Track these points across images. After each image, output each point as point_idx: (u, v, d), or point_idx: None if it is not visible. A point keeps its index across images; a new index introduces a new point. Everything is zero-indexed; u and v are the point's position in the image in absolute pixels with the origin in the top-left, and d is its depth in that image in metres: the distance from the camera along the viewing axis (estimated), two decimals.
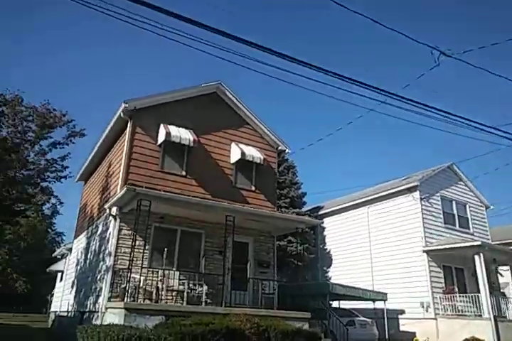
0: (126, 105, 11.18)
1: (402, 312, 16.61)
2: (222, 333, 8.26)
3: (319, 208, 22.60)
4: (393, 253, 17.66)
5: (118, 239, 10.54)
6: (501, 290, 17.44)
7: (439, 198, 18.09)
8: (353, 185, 67.23)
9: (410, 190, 17.66)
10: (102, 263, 11.31)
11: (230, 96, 13.21)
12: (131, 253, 9.61)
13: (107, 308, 9.87)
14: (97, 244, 12.49)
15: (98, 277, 11.36)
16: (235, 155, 12.63)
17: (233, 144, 12.87)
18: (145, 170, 11.35)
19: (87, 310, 11.73)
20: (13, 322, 21.60)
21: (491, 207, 20.18)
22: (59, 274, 22.22)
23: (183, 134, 11.50)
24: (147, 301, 9.93)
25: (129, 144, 11.27)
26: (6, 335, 13.53)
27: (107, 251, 10.95)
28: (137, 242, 9.91)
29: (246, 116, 13.42)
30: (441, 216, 17.83)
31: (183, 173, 12.00)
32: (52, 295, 29.26)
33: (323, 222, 12.56)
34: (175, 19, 5.49)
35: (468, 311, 15.28)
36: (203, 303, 10.39)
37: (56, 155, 11.71)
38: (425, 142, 63.73)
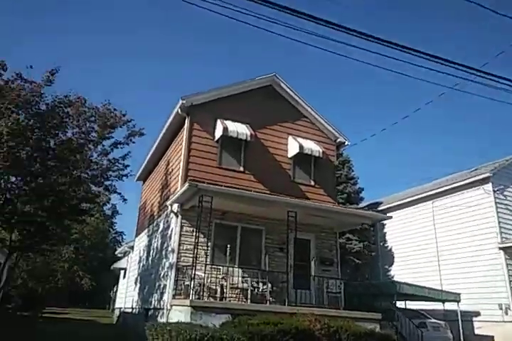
0: (184, 101, 11.14)
1: (477, 314, 15.35)
2: (291, 333, 7.90)
3: (378, 204, 21.61)
4: (464, 250, 16.38)
5: (180, 236, 10.51)
6: None
7: None
8: (411, 179, 64.17)
9: (481, 182, 16.27)
10: (164, 260, 11.37)
11: (286, 88, 12.81)
12: (194, 250, 9.51)
13: (171, 306, 9.86)
14: (159, 241, 12.61)
15: (161, 274, 11.44)
16: (292, 149, 12.22)
17: (290, 138, 12.46)
18: (204, 167, 11.26)
19: (152, 307, 11.85)
20: (83, 317, 22.69)
21: None
22: (122, 272, 22.99)
23: (240, 129, 11.28)
24: (211, 299, 9.81)
25: (188, 141, 11.23)
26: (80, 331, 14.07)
27: (169, 248, 10.98)
28: (199, 239, 9.80)
29: (303, 108, 12.96)
30: None
31: (241, 169, 11.78)
32: (115, 292, 30.55)
33: (390, 217, 11.78)
34: None
35: None
36: (267, 302, 10.10)
37: (117, 154, 11.92)
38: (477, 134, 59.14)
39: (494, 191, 16.02)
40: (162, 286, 11.08)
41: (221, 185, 9.60)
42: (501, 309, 14.66)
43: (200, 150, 11.37)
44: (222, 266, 10.19)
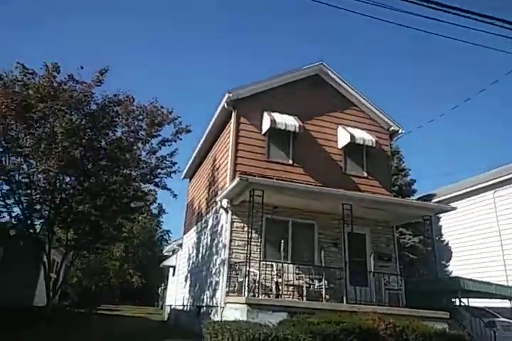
0: (230, 95, 10.92)
1: None
2: (355, 333, 7.46)
3: (431, 196, 20.44)
4: None
5: (231, 232, 10.30)
6: None
7: None
8: (462, 170, 60.24)
9: None
10: (215, 257, 11.22)
11: (334, 76, 12.26)
12: (247, 247, 9.25)
13: (225, 303, 9.67)
14: (209, 238, 12.49)
15: (213, 271, 11.30)
16: (343, 140, 11.67)
17: (340, 128, 11.91)
18: (252, 161, 10.98)
19: (204, 304, 11.75)
20: (134, 314, 23.30)
21: None
22: (171, 269, 23.30)
23: (288, 121, 10.89)
24: (265, 296, 9.52)
25: (235, 135, 11.00)
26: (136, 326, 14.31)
27: (220, 245, 10.81)
28: (251, 234, 9.52)
29: (352, 96, 12.36)
30: None
31: (290, 162, 11.40)
32: (163, 289, 31.20)
33: (455, 208, 10.94)
34: None
35: None
36: (324, 299, 9.68)
37: (164, 152, 11.91)
38: None
39: None
40: (214, 283, 10.93)
41: (271, 178, 9.27)
42: None
43: (247, 144, 11.10)
44: (275, 263, 9.86)
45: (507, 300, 14.00)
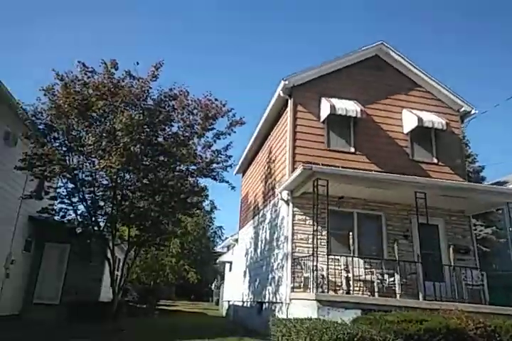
0: (286, 82, 10.43)
1: None
2: (442, 334, 6.77)
3: (502, 184, 18.80)
4: None
5: (293, 225, 9.86)
6: None
7: None
8: None
9: None
10: (276, 251, 10.83)
11: (396, 56, 11.39)
12: (313, 240, 8.76)
13: (291, 299, 9.26)
14: (267, 232, 12.13)
15: (274, 266, 10.92)
16: (409, 123, 10.81)
17: (405, 111, 11.04)
18: (311, 150, 10.45)
19: (266, 300, 11.41)
20: (191, 309, 23.63)
21: None
22: (227, 265, 23.30)
23: (348, 106, 10.23)
24: (333, 292, 8.99)
25: (292, 123, 10.51)
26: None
27: (281, 239, 10.41)
28: (317, 227, 9.01)
29: (416, 76, 11.42)
30: None
31: (352, 150, 10.73)
32: (217, 285, 31.46)
33: None
34: None
35: None
36: (397, 295, 8.99)
37: (219, 145, 11.67)
38: None
39: None
40: (277, 279, 10.55)
41: (337, 167, 8.69)
42: None
43: (306, 132, 10.57)
44: (342, 256, 9.28)
45: None
